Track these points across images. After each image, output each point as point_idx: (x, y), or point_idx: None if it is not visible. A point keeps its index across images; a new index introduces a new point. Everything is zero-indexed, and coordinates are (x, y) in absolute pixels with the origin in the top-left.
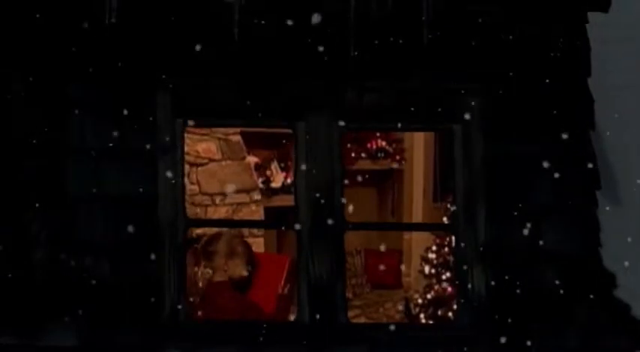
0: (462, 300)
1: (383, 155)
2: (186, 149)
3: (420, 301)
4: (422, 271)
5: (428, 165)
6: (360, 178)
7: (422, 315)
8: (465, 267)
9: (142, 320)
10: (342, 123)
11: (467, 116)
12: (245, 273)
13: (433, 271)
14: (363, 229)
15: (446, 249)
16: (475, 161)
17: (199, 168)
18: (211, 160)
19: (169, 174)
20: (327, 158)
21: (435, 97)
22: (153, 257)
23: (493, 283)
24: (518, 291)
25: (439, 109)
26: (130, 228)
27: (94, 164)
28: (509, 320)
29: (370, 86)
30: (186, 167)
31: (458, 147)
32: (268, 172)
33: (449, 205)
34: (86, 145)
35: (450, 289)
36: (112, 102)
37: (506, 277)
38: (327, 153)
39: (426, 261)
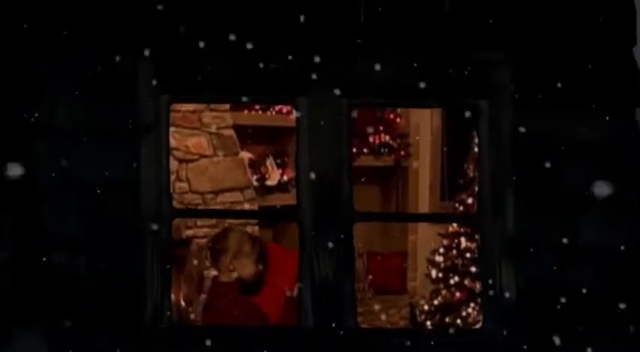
0: (487, 303)
1: (386, 150)
2: (174, 144)
3: (426, 307)
4: (428, 275)
5: (435, 160)
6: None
7: (428, 323)
8: (490, 265)
9: (120, 325)
10: (350, 99)
11: (495, 90)
12: (254, 273)
13: (440, 275)
14: (376, 220)
15: (454, 252)
16: (503, 142)
17: (189, 165)
18: (202, 156)
19: (152, 157)
20: (334, 138)
21: (458, 68)
22: (134, 253)
23: (523, 283)
24: (552, 292)
25: (463, 82)
26: (108, 220)
27: (66, 146)
28: (542, 326)
29: (383, 56)
30: (175, 163)
31: (484, 126)
32: (263, 169)
33: (457, 204)
34: (56, 125)
35: (458, 294)
36: (86, 75)
37: (539, 276)
38: (333, 133)
39: (433, 264)
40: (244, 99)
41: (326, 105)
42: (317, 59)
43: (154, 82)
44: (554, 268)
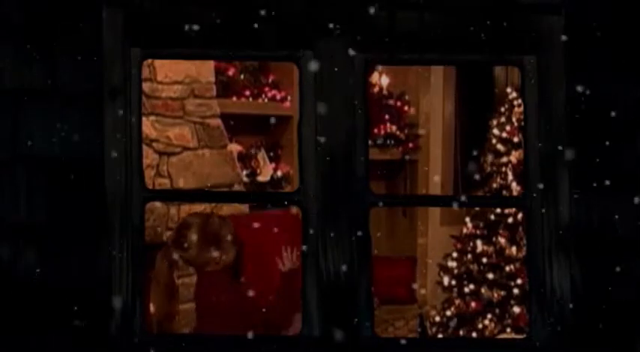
0: (535, 307)
1: (393, 142)
2: (154, 135)
3: (437, 319)
4: (440, 283)
5: (447, 154)
6: None
7: (440, 335)
8: (540, 260)
9: (81, 335)
10: (365, 54)
11: (545, 44)
12: (235, 255)
13: (454, 283)
14: (396, 205)
15: (469, 257)
16: (555, 109)
17: (170, 158)
18: (185, 149)
19: (120, 127)
20: (345, 102)
21: (498, 17)
22: (97, 244)
23: (580, 282)
24: (616, 295)
25: (504, 34)
26: (65, 204)
27: (15, 113)
28: (604, 335)
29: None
30: (156, 157)
31: (530, 88)
32: (254, 163)
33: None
34: (3, 86)
35: (473, 304)
36: (40, 26)
37: (600, 273)
38: (344, 96)
39: (445, 270)
40: (234, 54)
41: (335, 60)
42: (324, 5)
43: (122, 32)
44: (620, 265)
